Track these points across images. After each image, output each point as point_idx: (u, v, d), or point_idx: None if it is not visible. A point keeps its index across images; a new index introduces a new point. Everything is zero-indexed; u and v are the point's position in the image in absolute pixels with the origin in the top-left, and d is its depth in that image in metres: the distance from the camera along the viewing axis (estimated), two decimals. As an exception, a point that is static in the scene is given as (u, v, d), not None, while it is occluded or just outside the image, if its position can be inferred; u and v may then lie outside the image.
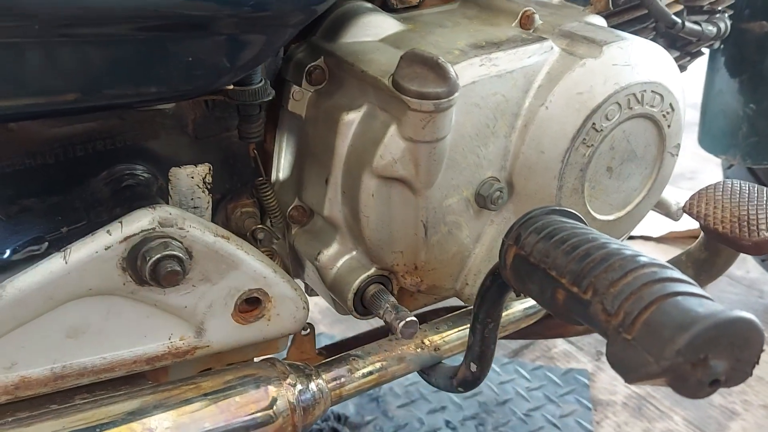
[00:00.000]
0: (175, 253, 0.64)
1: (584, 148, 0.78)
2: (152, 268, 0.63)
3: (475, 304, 0.73)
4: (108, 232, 0.63)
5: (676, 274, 0.52)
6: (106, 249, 0.63)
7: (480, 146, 0.75)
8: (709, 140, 1.41)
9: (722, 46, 1.31)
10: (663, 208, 0.99)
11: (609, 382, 1.51)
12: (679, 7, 1.06)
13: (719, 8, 1.11)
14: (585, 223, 0.64)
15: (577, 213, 0.65)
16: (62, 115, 0.66)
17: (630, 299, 0.50)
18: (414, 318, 0.75)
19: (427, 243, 0.78)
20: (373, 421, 1.39)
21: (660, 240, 1.96)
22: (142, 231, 0.64)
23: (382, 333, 0.97)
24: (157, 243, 0.64)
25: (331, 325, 1.69)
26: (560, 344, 1.64)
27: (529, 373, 1.54)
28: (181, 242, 0.66)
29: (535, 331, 0.97)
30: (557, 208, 0.64)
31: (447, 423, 1.39)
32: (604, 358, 1.59)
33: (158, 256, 0.63)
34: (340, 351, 0.93)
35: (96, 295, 0.64)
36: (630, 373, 0.50)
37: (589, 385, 1.49)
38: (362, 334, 1.01)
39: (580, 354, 1.60)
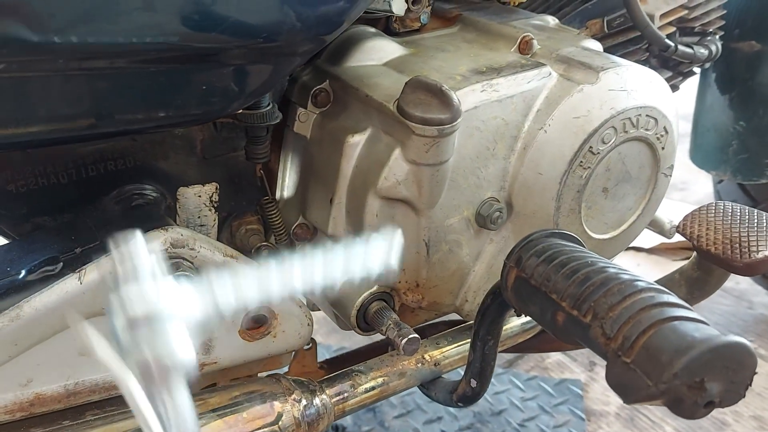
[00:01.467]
0: (186, 273, 0.65)
1: (581, 170, 0.80)
2: (164, 288, 0.64)
3: (476, 321, 0.75)
4: (121, 252, 0.65)
5: (673, 298, 0.55)
6: (119, 269, 0.64)
7: (480, 168, 0.78)
8: (700, 156, 1.44)
9: (713, 64, 1.34)
10: (657, 227, 1.02)
11: (602, 393, 1.54)
12: (672, 29, 1.10)
13: (710, 30, 1.14)
14: (584, 246, 0.67)
15: (575, 236, 0.67)
16: (82, 140, 0.68)
17: (629, 323, 0.53)
18: (416, 335, 0.77)
19: (429, 261, 0.80)
20: (370, 432, 1.41)
21: (651, 251, 1.99)
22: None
23: (382, 347, 0.99)
24: (168, 263, 0.65)
25: (326, 335, 1.70)
26: (554, 355, 1.66)
27: (523, 383, 1.56)
28: (191, 262, 0.67)
29: (532, 345, 1.00)
30: (557, 231, 0.67)
31: (443, 433, 1.41)
32: (597, 369, 1.62)
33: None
34: (341, 365, 0.95)
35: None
36: (629, 395, 0.52)
37: (582, 396, 1.52)
38: (362, 348, 1.03)
39: (573, 365, 1.63)
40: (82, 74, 0.55)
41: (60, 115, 0.57)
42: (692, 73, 1.21)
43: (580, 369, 1.62)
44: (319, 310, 0.94)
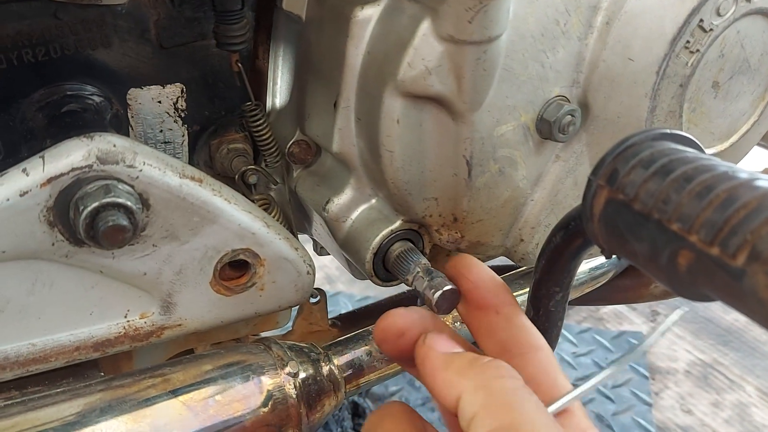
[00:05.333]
0: (120, 200, 0.45)
1: (687, 54, 0.57)
2: (88, 222, 0.44)
3: (538, 267, 0.54)
4: (24, 171, 0.45)
5: None
6: (21, 195, 0.44)
7: (546, 51, 0.55)
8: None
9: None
10: (771, 141, 0.78)
11: (668, 347, 1.33)
12: None
13: None
14: (705, 153, 0.44)
15: (694, 139, 0.45)
16: None
17: (825, 270, 0.31)
18: (453, 286, 0.56)
19: (471, 186, 0.59)
20: (399, 393, 1.23)
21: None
22: (74, 170, 0.45)
23: (410, 298, 0.79)
24: (95, 187, 0.45)
25: (350, 282, 1.51)
26: (610, 303, 1.45)
27: (575, 336, 1.36)
28: (131, 186, 0.47)
29: (600, 296, 0.79)
30: (668, 131, 0.44)
31: (483, 395, 1.22)
32: (660, 318, 1.41)
33: (95, 205, 0.44)
34: (358, 322, 0.76)
35: (14, 260, 0.46)
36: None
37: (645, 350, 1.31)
38: (385, 300, 0.83)
39: (632, 314, 1.41)
40: None
41: None
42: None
43: (640, 319, 1.40)
44: (328, 253, 0.74)
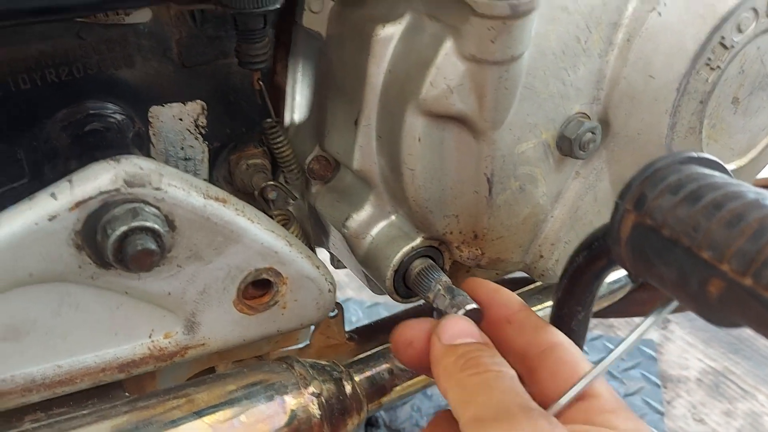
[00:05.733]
0: (147, 224, 0.45)
1: (708, 71, 0.57)
2: (116, 246, 0.45)
3: (561, 286, 0.54)
4: (52, 195, 0.45)
5: None
6: (50, 219, 0.45)
7: (567, 69, 0.55)
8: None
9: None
10: (789, 154, 0.78)
11: (679, 355, 1.32)
12: None
13: None
14: (732, 177, 0.44)
15: (720, 162, 0.45)
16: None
17: None
18: (476, 305, 0.56)
19: (492, 204, 0.59)
20: (411, 401, 1.23)
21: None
22: (101, 193, 0.45)
23: (426, 310, 0.79)
24: (122, 210, 0.45)
25: (359, 289, 1.51)
26: (620, 310, 1.45)
27: (586, 344, 1.35)
28: (157, 208, 0.47)
29: (617, 309, 0.78)
30: (695, 155, 0.44)
31: (495, 403, 1.22)
32: (672, 327, 1.41)
33: (124, 228, 0.45)
34: (375, 335, 0.76)
35: (41, 282, 0.46)
36: None
37: (656, 358, 1.31)
38: (401, 313, 0.83)
39: (643, 322, 1.41)
40: None
41: None
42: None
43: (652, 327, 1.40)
44: (345, 267, 0.74)
